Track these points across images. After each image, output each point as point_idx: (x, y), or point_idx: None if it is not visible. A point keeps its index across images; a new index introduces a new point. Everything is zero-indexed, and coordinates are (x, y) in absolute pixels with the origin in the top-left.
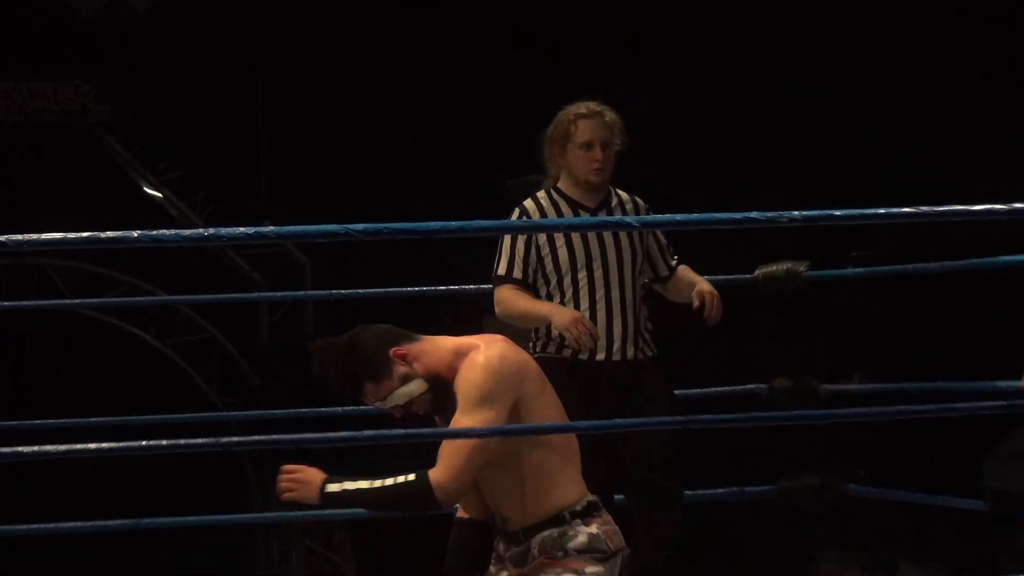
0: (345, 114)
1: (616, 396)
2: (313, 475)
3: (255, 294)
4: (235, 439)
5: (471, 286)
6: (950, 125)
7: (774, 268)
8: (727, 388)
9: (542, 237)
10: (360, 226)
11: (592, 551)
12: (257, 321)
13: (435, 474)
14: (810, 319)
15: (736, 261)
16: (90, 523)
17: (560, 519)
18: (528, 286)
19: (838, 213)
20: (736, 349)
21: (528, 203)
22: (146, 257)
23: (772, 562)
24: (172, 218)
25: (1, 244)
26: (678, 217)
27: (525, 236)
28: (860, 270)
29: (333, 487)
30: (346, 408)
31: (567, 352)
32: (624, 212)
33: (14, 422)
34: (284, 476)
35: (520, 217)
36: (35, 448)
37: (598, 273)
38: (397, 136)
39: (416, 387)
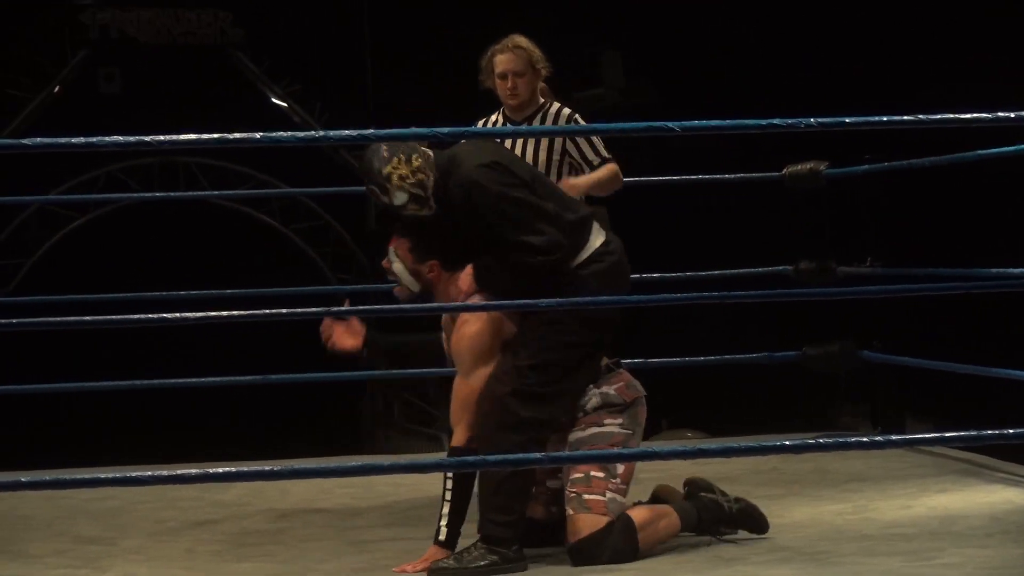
0: (443, 33)
1: None
2: (357, 330)
3: (364, 187)
4: (346, 308)
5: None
6: (948, 41)
7: (798, 167)
8: (759, 269)
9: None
10: (445, 129)
11: (606, 406)
12: (365, 209)
13: (458, 439)
14: (829, 211)
15: (768, 161)
16: (225, 378)
17: None
18: None
19: (848, 120)
20: (766, 236)
21: (482, 119)
22: (273, 156)
23: (797, 415)
24: (295, 124)
25: (146, 144)
26: (713, 123)
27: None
28: (869, 167)
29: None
30: None
31: None
32: (547, 122)
33: (161, 292)
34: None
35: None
36: (177, 315)
37: None
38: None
39: (408, 281)
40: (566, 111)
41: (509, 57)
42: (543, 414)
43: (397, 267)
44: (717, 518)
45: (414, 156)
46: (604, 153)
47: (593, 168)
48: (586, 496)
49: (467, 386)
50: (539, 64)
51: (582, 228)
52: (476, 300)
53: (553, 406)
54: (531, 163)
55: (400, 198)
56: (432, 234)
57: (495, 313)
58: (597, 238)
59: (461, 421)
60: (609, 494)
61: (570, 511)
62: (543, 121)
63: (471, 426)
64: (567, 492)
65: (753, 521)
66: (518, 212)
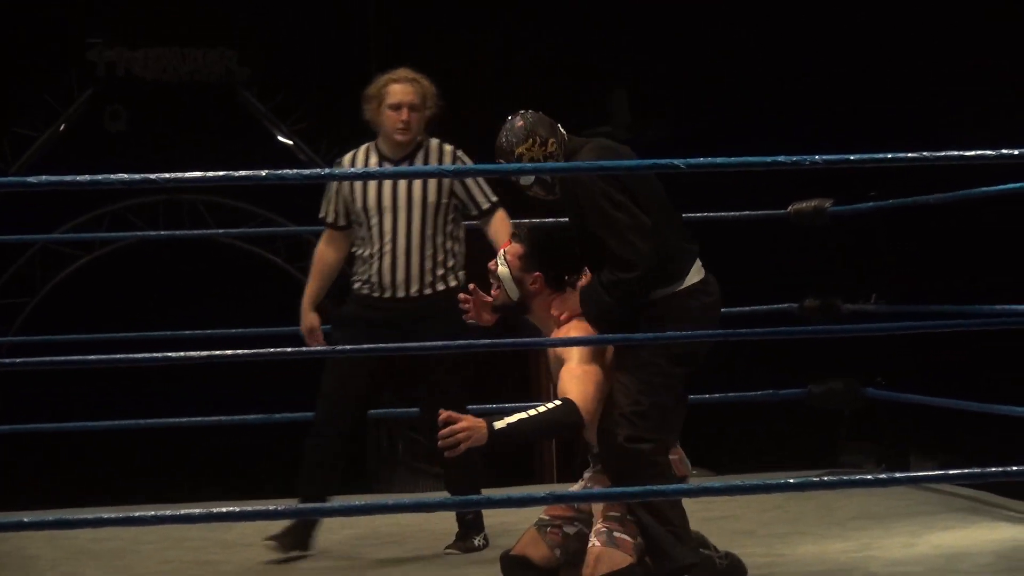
0: (446, 72)
1: (401, 325)
2: (475, 421)
3: None
4: (349, 347)
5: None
6: (953, 78)
7: (804, 204)
8: (764, 307)
9: (346, 185)
10: (451, 167)
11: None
12: None
13: (576, 399)
14: (834, 248)
15: (773, 198)
16: (231, 417)
17: None
18: (342, 228)
19: (852, 157)
20: (772, 273)
21: (347, 155)
22: (279, 193)
23: (801, 453)
24: (301, 162)
25: (151, 182)
26: (717, 160)
27: (336, 185)
28: (873, 204)
29: (500, 424)
30: None
31: (364, 290)
32: (431, 161)
33: (167, 332)
34: (452, 429)
35: (336, 166)
36: (182, 354)
37: (387, 223)
38: (492, 88)
39: (510, 287)
40: (449, 147)
41: (406, 88)
42: (658, 451)
43: (502, 271)
44: (710, 574)
45: (551, 141)
46: (492, 196)
47: (481, 211)
48: (616, 534)
49: (578, 365)
50: (431, 101)
51: (682, 258)
52: (572, 326)
53: (661, 441)
54: (420, 204)
55: (526, 179)
56: (547, 245)
57: (590, 329)
58: (696, 273)
59: (574, 389)
60: (640, 539)
61: (596, 543)
62: (426, 159)
63: (584, 396)
64: (598, 527)
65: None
66: (612, 215)
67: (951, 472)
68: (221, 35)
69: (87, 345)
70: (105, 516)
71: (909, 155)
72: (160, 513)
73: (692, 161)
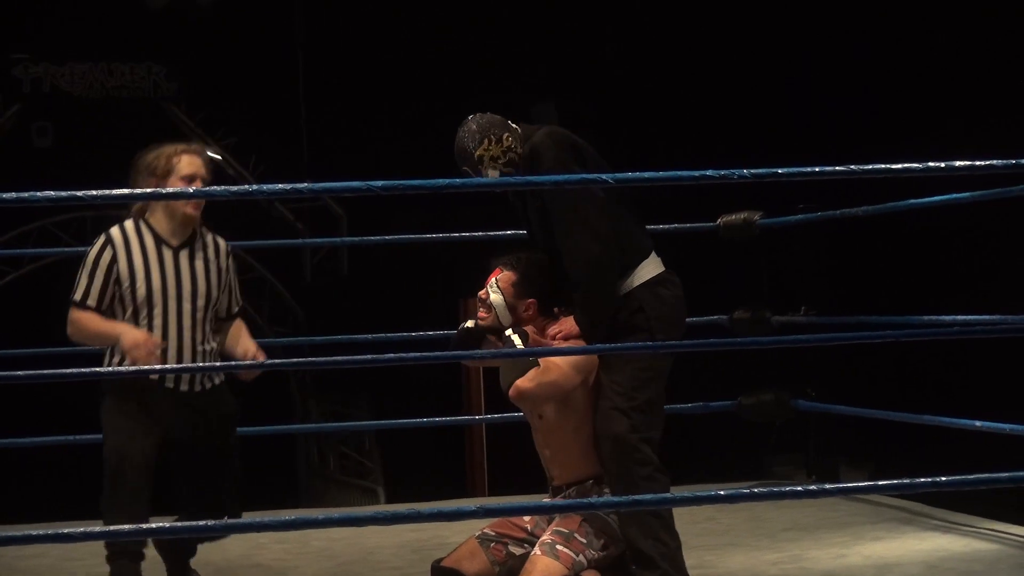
0: (374, 87)
1: (180, 417)
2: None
3: (299, 240)
4: (280, 361)
5: (479, 233)
6: (880, 90)
7: (733, 217)
8: (694, 319)
9: (124, 269)
10: (379, 183)
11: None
12: (301, 263)
13: (535, 370)
14: (764, 261)
15: (703, 211)
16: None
17: (596, 480)
18: (103, 314)
19: (780, 171)
20: (702, 286)
21: (115, 231)
22: (207, 209)
23: (732, 465)
24: (229, 177)
25: (78, 198)
26: (646, 175)
27: (106, 266)
28: (802, 216)
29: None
30: (375, 336)
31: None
32: (208, 251)
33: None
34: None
35: (105, 244)
36: (110, 368)
37: (172, 312)
38: (419, 105)
39: (503, 314)
40: (223, 242)
41: (198, 161)
42: (654, 449)
43: (495, 298)
44: None
45: (506, 136)
46: (239, 303)
47: (231, 313)
48: (559, 547)
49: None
50: (210, 177)
51: (642, 243)
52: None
53: (654, 439)
54: (204, 295)
55: (491, 175)
56: (538, 272)
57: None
58: (657, 264)
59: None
60: (580, 557)
61: (537, 552)
62: (204, 251)
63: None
64: (543, 538)
65: None
66: (571, 201)
67: (880, 483)
68: (148, 50)
69: (15, 360)
70: (33, 533)
71: (836, 168)
72: (89, 530)
73: (620, 176)
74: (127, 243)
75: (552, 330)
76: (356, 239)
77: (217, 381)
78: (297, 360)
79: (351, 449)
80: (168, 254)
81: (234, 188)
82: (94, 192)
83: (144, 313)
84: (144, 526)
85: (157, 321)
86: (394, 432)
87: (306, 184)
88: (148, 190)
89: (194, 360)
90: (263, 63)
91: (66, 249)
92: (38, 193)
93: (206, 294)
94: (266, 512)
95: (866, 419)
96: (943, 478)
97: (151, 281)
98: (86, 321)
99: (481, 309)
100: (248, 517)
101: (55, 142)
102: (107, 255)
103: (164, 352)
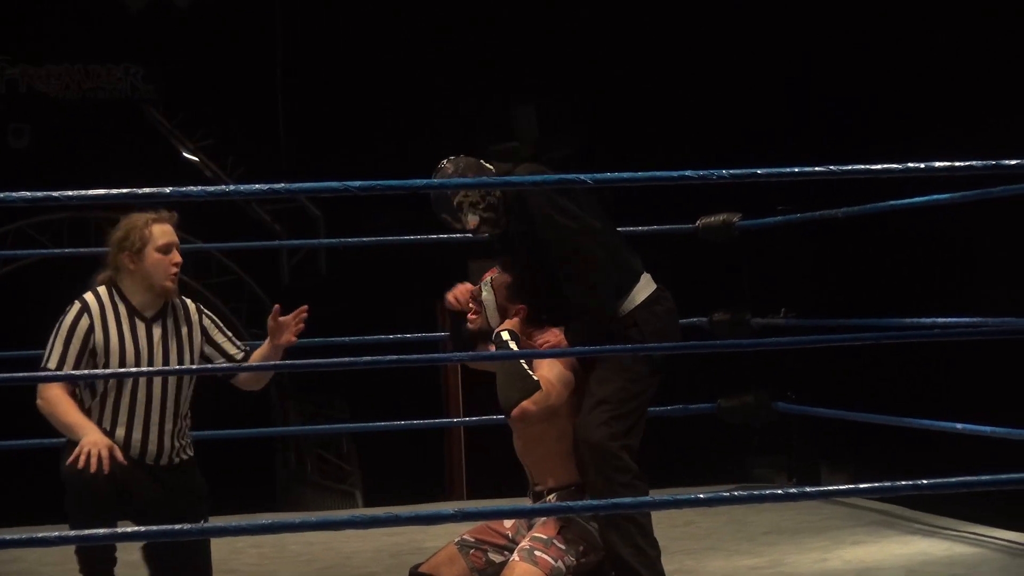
0: (352, 88)
1: (150, 493)
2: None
3: (277, 242)
4: (257, 364)
5: (457, 234)
6: (864, 88)
7: (712, 219)
8: None
9: (99, 341)
10: (357, 183)
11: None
12: (278, 264)
13: (540, 394)
14: (743, 262)
15: (682, 213)
16: None
17: (579, 487)
18: (76, 385)
19: (760, 171)
20: (681, 288)
21: (90, 298)
22: (184, 211)
23: (712, 468)
24: (207, 178)
25: (54, 199)
26: (624, 175)
27: (83, 335)
28: (782, 218)
29: (505, 335)
30: (352, 338)
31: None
32: (180, 322)
33: None
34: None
35: (81, 311)
36: (86, 372)
37: (141, 392)
38: (398, 107)
39: (492, 314)
40: (192, 304)
41: (169, 229)
42: (634, 457)
43: (487, 297)
44: None
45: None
46: (241, 345)
47: (240, 357)
48: (538, 553)
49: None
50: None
51: (634, 267)
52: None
53: (635, 448)
54: (161, 363)
55: (472, 222)
56: (533, 280)
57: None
58: (650, 283)
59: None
60: (559, 563)
61: (516, 558)
62: (176, 319)
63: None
64: (522, 544)
65: None
66: (561, 222)
67: (861, 486)
68: (126, 51)
69: None
70: (6, 538)
71: (815, 169)
72: (63, 534)
73: (599, 176)
74: (103, 312)
75: (541, 339)
76: (334, 240)
77: (187, 456)
78: (275, 363)
79: (329, 452)
80: (141, 328)
81: (211, 188)
82: (70, 192)
83: (112, 396)
84: (120, 531)
85: (125, 401)
86: (372, 435)
87: (283, 184)
88: (125, 190)
89: (161, 443)
90: (241, 65)
91: (42, 251)
92: (13, 194)
93: (178, 358)
94: (243, 516)
95: (847, 421)
96: (924, 481)
97: (125, 356)
98: (56, 403)
99: (472, 305)
100: (225, 521)
101: (32, 143)
102: (84, 323)
103: (129, 435)
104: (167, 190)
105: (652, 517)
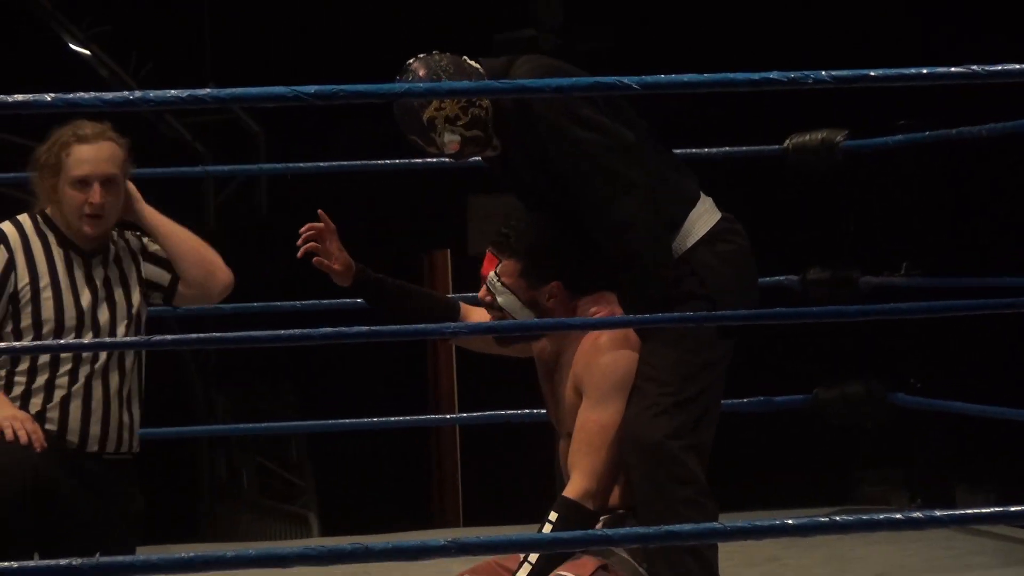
0: None
1: (71, 501)
2: None
3: (200, 168)
4: (174, 337)
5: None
6: None
7: (807, 138)
8: None
9: (24, 278)
10: (312, 88)
11: None
12: (202, 200)
13: (575, 487)
14: (849, 199)
15: (763, 131)
16: None
17: (629, 510)
18: None
19: (872, 73)
20: (763, 234)
21: (8, 226)
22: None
23: (806, 484)
24: (102, 79)
25: None
26: (684, 77)
27: (1, 272)
28: (903, 137)
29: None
30: (303, 302)
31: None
32: (122, 256)
33: None
34: None
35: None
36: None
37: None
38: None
39: (523, 315)
40: (132, 237)
41: (93, 156)
42: (703, 462)
43: (506, 301)
44: None
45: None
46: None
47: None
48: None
49: (598, 421)
50: (128, 168)
51: (687, 191)
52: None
53: (704, 448)
54: (125, 320)
55: (452, 143)
56: (547, 242)
57: (634, 339)
58: (713, 211)
59: (583, 463)
60: None
61: None
62: (117, 259)
63: (593, 474)
64: (557, 571)
65: None
66: (583, 137)
67: (1012, 509)
68: None
69: None
70: None
71: (952, 70)
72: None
73: (649, 79)
74: (25, 240)
75: (592, 309)
76: (279, 166)
77: (132, 453)
78: (197, 336)
79: (272, 461)
80: (79, 266)
81: (108, 96)
82: None
83: (45, 359)
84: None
85: (65, 367)
86: (332, 437)
87: (209, 90)
88: None
89: (108, 414)
90: None
91: None
92: None
93: (127, 316)
94: (156, 547)
95: (992, 420)
96: None
97: (62, 306)
98: None
99: (491, 313)
100: (144, 552)
101: None
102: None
103: (66, 402)
104: (48, 97)
105: (726, 551)
